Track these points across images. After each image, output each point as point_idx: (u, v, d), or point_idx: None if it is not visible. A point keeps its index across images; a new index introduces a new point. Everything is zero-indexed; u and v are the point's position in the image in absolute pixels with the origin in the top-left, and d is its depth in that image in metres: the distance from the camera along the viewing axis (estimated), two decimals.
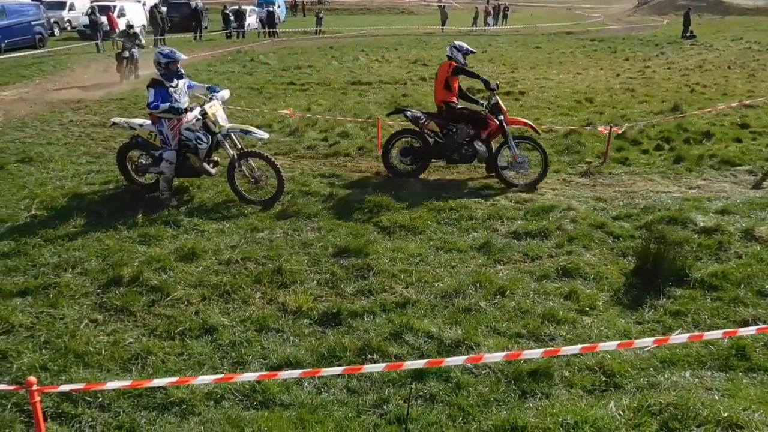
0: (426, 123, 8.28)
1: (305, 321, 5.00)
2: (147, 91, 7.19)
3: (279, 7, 44.27)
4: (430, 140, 8.34)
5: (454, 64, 8.36)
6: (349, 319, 5.00)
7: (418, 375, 4.24)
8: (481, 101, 8.88)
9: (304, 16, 54.72)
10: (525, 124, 8.55)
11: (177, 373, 4.27)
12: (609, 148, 9.46)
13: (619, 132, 10.00)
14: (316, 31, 36.81)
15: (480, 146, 8.27)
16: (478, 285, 5.50)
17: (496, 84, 8.49)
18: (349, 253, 6.12)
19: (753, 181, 8.62)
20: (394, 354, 4.53)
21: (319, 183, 8.24)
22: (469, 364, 4.26)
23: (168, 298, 5.27)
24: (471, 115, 8.38)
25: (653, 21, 48.02)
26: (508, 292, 5.40)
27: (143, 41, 17.96)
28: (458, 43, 8.73)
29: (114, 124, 7.96)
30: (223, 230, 6.69)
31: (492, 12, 44.59)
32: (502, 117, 8.21)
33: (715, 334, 3.91)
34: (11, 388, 3.47)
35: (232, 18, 33.11)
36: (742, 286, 5.50)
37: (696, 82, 17.29)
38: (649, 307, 5.23)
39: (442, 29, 39.73)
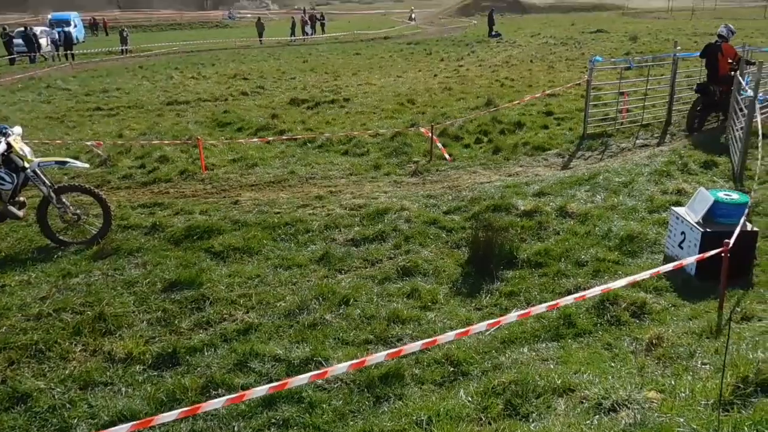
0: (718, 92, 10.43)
1: (138, 367, 4.66)
2: None
3: (75, 26, 41.51)
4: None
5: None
6: (187, 357, 4.75)
7: (268, 402, 4.12)
8: None
9: (107, 35, 51.66)
10: None
11: None
12: (433, 146, 9.93)
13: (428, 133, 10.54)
14: (122, 50, 34.96)
15: None
16: (321, 298, 5.49)
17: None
18: (180, 285, 5.83)
19: (561, 163, 9.50)
20: (241, 384, 4.37)
21: (140, 214, 7.80)
22: (319, 380, 4.23)
23: None
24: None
25: (462, 22, 51.44)
26: (352, 300, 5.45)
27: None
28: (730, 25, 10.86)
29: None
30: (29, 281, 6.08)
31: (309, 21, 45.14)
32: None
33: (540, 308, 4.23)
34: None
35: (21, 41, 30.49)
36: (563, 260, 6.05)
37: (505, 77, 18.74)
38: (486, 292, 5.55)
39: (261, 41, 39.52)
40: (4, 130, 6.77)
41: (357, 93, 17.02)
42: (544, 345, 4.67)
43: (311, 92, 17.48)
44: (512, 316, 4.32)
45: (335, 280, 5.92)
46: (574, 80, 15.73)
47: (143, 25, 59.29)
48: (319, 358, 4.62)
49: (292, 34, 41.74)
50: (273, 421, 4.00)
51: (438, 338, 3.68)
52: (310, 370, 4.48)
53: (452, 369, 4.43)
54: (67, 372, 4.62)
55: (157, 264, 6.32)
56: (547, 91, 14.54)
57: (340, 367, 3.49)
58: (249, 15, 66.32)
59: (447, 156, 9.81)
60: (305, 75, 21.81)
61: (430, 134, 9.99)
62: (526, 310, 4.22)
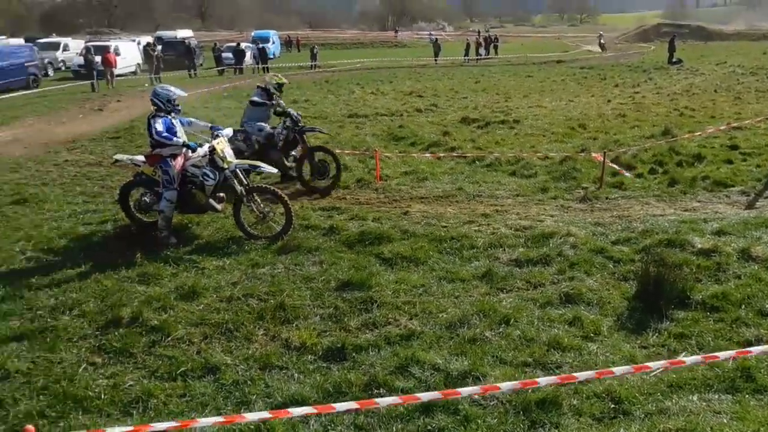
0: None
1: (309, 357, 4.93)
2: (150, 123, 7.17)
3: (273, 43, 44.87)
4: None
5: None
6: (353, 354, 4.94)
7: (426, 409, 4.17)
8: None
9: (299, 51, 55.34)
10: None
11: (179, 416, 4.18)
12: (604, 173, 9.51)
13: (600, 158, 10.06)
14: (312, 65, 37.23)
15: None
16: (482, 314, 5.46)
17: None
18: (351, 286, 6.07)
19: (746, 202, 8.66)
20: (401, 388, 4.46)
21: (319, 216, 8.22)
22: (476, 396, 4.21)
23: (169, 338, 5.20)
24: None
25: (640, 48, 48.84)
26: (512, 320, 5.35)
27: None
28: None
29: (116, 161, 7.97)
30: (223, 267, 6.65)
31: (483, 43, 45.26)
32: None
33: (726, 354, 3.88)
34: None
35: (231, 55, 33.55)
36: (743, 306, 5.49)
37: (684, 106, 17.50)
38: (653, 330, 5.20)
39: (436, 61, 40.28)
40: (216, 131, 7.48)
41: (527, 115, 16.75)
42: (716, 396, 4.27)
43: (482, 112, 17.47)
44: (696, 358, 4.00)
45: (497, 298, 5.86)
46: (765, 113, 14.33)
47: (331, 43, 62.78)
48: (477, 373, 4.59)
49: (466, 54, 42.03)
50: (429, 428, 4.03)
51: (614, 370, 3.48)
52: (468, 384, 4.47)
53: (613, 406, 4.20)
54: (250, 352, 4.99)
55: (332, 264, 6.63)
56: (733, 124, 13.38)
57: (508, 385, 3.44)
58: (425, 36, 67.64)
59: (626, 173, 9.36)
60: (477, 95, 21.85)
61: (602, 160, 9.58)
62: (714, 354, 3.89)
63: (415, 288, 6.08)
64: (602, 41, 49.45)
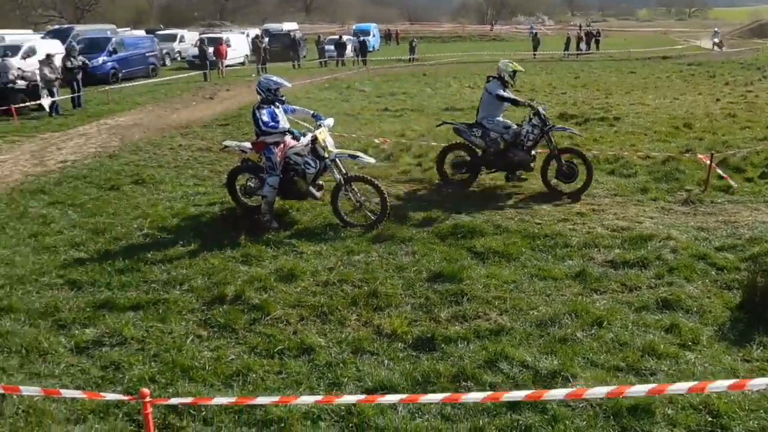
0: None
1: (400, 345, 4.99)
2: (256, 113, 7.45)
3: (373, 36, 45.27)
4: None
5: None
6: (443, 345, 4.95)
7: (514, 405, 4.12)
8: None
9: (398, 44, 55.56)
10: None
11: (276, 392, 4.35)
12: (710, 175, 8.98)
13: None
14: (410, 58, 37.31)
15: None
16: (574, 314, 5.32)
17: None
18: (443, 278, 6.08)
19: None
20: (489, 382, 4.44)
21: (414, 208, 8.25)
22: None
23: (268, 317, 5.41)
24: None
25: (754, 44, 45.56)
26: (605, 322, 5.19)
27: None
28: None
29: (225, 147, 8.34)
30: (320, 252, 6.82)
31: (584, 37, 43.67)
32: None
33: None
34: (126, 398, 3.64)
35: (333, 47, 34.15)
36: None
37: None
38: (758, 344, 4.88)
39: (534, 55, 39.30)
40: (319, 121, 7.66)
41: (628, 112, 16.03)
42: None
43: (581, 108, 16.89)
44: None
45: (590, 299, 5.68)
46: None
47: (429, 36, 62.52)
48: (567, 374, 4.49)
49: (566, 49, 40.71)
50: (516, 424, 3.99)
51: (709, 386, 3.29)
52: (557, 384, 4.38)
53: (710, 419, 3.98)
54: (343, 336, 5.11)
55: (425, 255, 6.66)
56: None
57: (597, 391, 3.34)
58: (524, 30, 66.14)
59: (733, 183, 8.83)
60: (576, 91, 21.15)
61: (708, 162, 9.04)
62: None
63: (506, 283, 6.01)
64: (717, 39, 43.34)
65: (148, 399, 3.30)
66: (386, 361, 4.76)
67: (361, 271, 6.28)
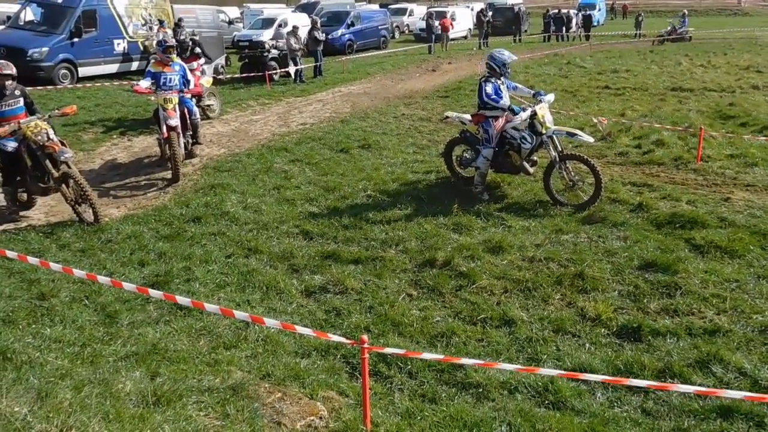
0: None
1: (603, 330, 4.78)
2: (482, 85, 7.47)
3: (599, 10, 42.39)
4: None
5: None
6: (649, 337, 4.64)
7: (726, 412, 3.76)
8: None
9: (624, 18, 51.39)
10: None
11: (476, 357, 4.43)
12: None
13: None
14: (636, 34, 34.35)
15: None
16: None
17: None
18: (655, 267, 5.65)
19: None
20: (698, 384, 4.08)
21: (629, 191, 7.72)
22: None
23: (473, 286, 5.49)
24: None
25: None
26: None
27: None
28: None
29: (446, 118, 8.51)
30: (528, 228, 6.72)
31: None
32: None
33: None
34: (348, 341, 3.96)
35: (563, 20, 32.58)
36: None
37: None
38: None
39: None
40: (539, 97, 7.46)
41: None
42: None
43: None
44: None
45: None
46: None
47: (660, 10, 56.68)
48: None
49: None
50: None
51: None
52: None
53: None
54: (545, 313, 5.02)
55: (637, 241, 6.22)
56: None
57: None
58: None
59: None
60: None
61: None
62: None
63: (727, 282, 5.41)
64: None
65: (366, 345, 3.56)
66: (587, 345, 4.60)
67: (569, 251, 6.06)
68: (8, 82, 6.92)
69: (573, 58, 21.45)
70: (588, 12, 34.83)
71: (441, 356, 3.67)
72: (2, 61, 7.03)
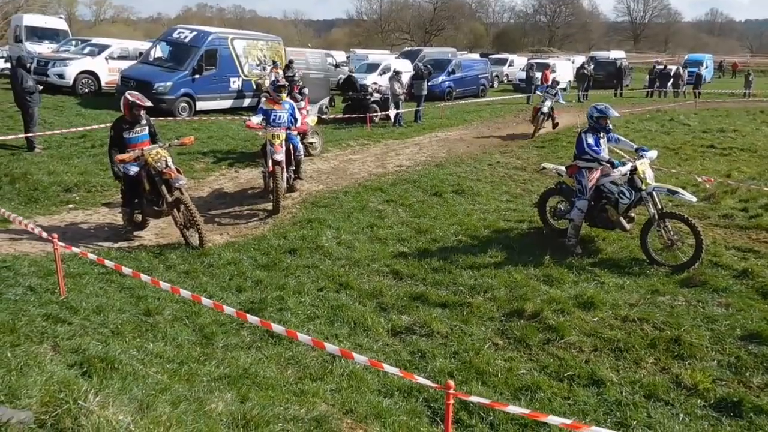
0: None
1: (699, 401, 4.46)
2: (582, 136, 7.37)
3: (706, 67, 40.64)
4: None
5: None
6: (751, 414, 4.28)
7: None
8: None
9: (733, 76, 48.89)
10: None
11: (561, 415, 4.25)
12: None
13: None
14: (745, 93, 32.56)
15: None
16: None
17: None
18: (760, 339, 5.23)
19: None
20: None
21: (732, 256, 7.24)
22: None
23: (562, 341, 5.31)
24: None
25: None
26: None
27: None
28: None
29: (543, 168, 8.41)
30: (622, 286, 6.44)
31: None
32: None
33: None
34: (433, 385, 3.91)
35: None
36: None
37: None
38: None
39: None
40: (640, 152, 7.23)
41: None
42: None
43: None
44: None
45: None
46: None
47: None
48: None
49: None
50: None
51: None
52: None
53: None
54: (636, 377, 4.76)
55: (740, 310, 5.80)
56: None
57: None
58: None
59: None
60: None
61: None
62: None
63: None
64: None
65: (451, 391, 3.50)
66: (681, 415, 4.30)
67: (665, 314, 5.74)
68: (142, 112, 7.53)
69: (676, 115, 20.57)
70: (694, 70, 33.45)
71: (527, 411, 3.54)
72: (140, 94, 7.66)
